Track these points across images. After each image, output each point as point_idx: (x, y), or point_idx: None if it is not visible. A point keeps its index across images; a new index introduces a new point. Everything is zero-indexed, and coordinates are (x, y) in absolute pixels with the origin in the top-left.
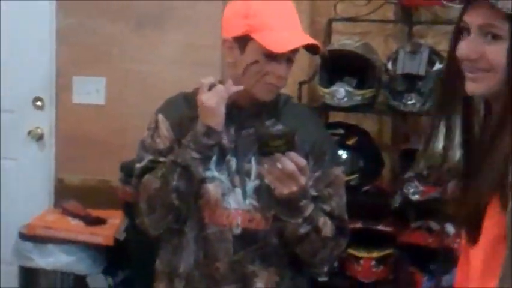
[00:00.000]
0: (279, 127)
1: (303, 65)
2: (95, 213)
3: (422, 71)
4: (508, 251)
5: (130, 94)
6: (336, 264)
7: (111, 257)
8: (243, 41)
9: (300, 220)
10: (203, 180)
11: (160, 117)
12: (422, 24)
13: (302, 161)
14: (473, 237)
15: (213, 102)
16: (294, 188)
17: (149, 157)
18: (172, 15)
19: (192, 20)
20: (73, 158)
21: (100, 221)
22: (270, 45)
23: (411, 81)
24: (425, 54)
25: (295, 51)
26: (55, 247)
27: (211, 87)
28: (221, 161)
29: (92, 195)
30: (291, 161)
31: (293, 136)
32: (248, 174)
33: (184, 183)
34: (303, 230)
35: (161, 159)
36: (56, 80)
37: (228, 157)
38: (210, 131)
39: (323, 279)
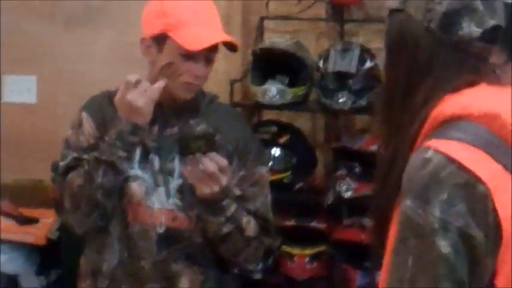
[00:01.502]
0: (202, 126)
1: (235, 63)
2: (28, 212)
3: (353, 69)
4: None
5: (61, 93)
6: (270, 261)
7: (44, 256)
8: (160, 40)
9: (222, 219)
10: (126, 179)
11: (84, 115)
12: (353, 23)
13: (223, 161)
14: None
15: (142, 102)
16: (216, 188)
17: (72, 155)
18: (102, 13)
19: (122, 17)
20: (4, 158)
21: (32, 221)
22: (185, 44)
23: (342, 79)
24: (356, 52)
25: (213, 50)
26: None
27: (137, 84)
28: (144, 160)
29: (24, 194)
30: (211, 161)
31: (214, 136)
32: (171, 173)
33: (109, 180)
34: (225, 229)
35: (85, 156)
36: None
37: (151, 156)
38: (135, 129)
39: (257, 277)
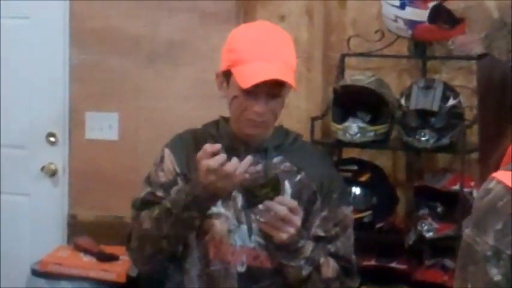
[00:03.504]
0: (287, 164)
1: (316, 101)
2: (108, 249)
3: (435, 107)
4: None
5: (142, 130)
6: None
7: None
8: (227, 75)
9: (301, 262)
10: (209, 216)
11: (167, 151)
12: (435, 59)
13: (292, 202)
14: None
15: (225, 185)
16: (292, 231)
17: (148, 189)
18: (184, 49)
19: (203, 54)
20: (86, 194)
21: (112, 258)
22: (240, 80)
23: (424, 117)
24: (438, 90)
25: (277, 86)
26: (68, 283)
27: (219, 169)
28: (228, 198)
29: (105, 231)
30: (281, 205)
31: (278, 180)
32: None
33: (176, 232)
34: (305, 272)
35: (160, 193)
36: (69, 116)
37: (234, 193)
38: (214, 199)
39: None
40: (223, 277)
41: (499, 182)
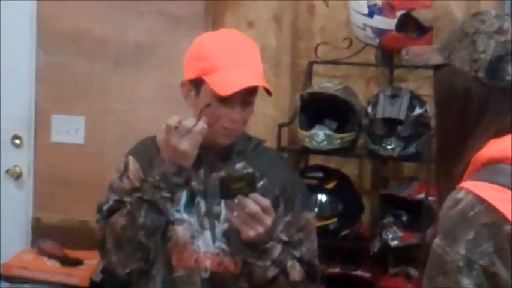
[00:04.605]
0: (242, 167)
1: (284, 107)
2: (73, 253)
3: (402, 116)
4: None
5: (109, 133)
6: None
7: None
8: (197, 84)
9: (268, 263)
10: (172, 222)
11: (130, 158)
12: (403, 68)
13: (265, 202)
14: None
15: (186, 145)
16: (260, 229)
17: (115, 197)
18: (151, 54)
19: (170, 58)
20: (50, 198)
21: (76, 262)
22: (216, 88)
23: (391, 125)
24: (405, 99)
25: (250, 93)
26: (31, 287)
27: (178, 126)
28: (190, 203)
29: (69, 235)
30: (254, 202)
31: (254, 177)
32: (217, 217)
33: (151, 220)
34: (271, 273)
35: (127, 199)
36: (35, 118)
37: (198, 199)
38: (180, 171)
39: None
40: (187, 283)
41: (469, 192)
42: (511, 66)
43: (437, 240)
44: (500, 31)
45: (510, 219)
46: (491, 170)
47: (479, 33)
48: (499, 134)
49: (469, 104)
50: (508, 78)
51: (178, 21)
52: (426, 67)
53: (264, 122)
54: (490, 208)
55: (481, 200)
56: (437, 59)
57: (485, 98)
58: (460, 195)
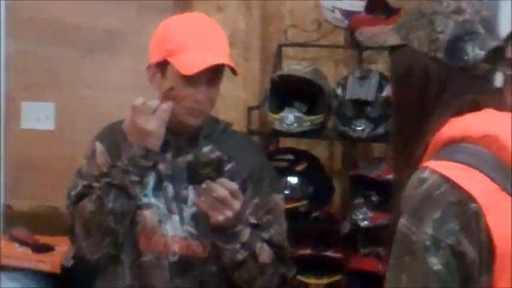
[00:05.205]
0: (209, 152)
1: (254, 90)
2: (44, 240)
3: (371, 97)
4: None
5: (79, 120)
6: None
7: (59, 284)
8: (163, 66)
9: (237, 246)
10: (139, 207)
11: (98, 144)
12: (372, 50)
13: (233, 186)
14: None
15: (152, 125)
16: (229, 213)
17: (83, 183)
18: (121, 40)
19: (140, 44)
20: (21, 184)
21: (47, 248)
22: (181, 68)
23: (360, 107)
24: (374, 80)
25: (216, 73)
26: (1, 274)
27: (144, 107)
28: (158, 188)
29: (40, 221)
30: (222, 187)
31: (221, 162)
32: (185, 200)
33: (120, 205)
34: (240, 256)
35: (96, 184)
36: (5, 106)
37: (165, 183)
38: (147, 153)
39: None
40: (155, 267)
41: (434, 171)
42: (470, 46)
43: (402, 220)
44: (458, 11)
45: (476, 197)
46: (454, 149)
47: (437, 13)
48: (458, 113)
49: (429, 84)
50: (466, 57)
51: (148, 8)
52: (383, 48)
53: (234, 105)
54: (455, 187)
55: (446, 179)
56: (394, 40)
57: (445, 78)
58: (425, 174)
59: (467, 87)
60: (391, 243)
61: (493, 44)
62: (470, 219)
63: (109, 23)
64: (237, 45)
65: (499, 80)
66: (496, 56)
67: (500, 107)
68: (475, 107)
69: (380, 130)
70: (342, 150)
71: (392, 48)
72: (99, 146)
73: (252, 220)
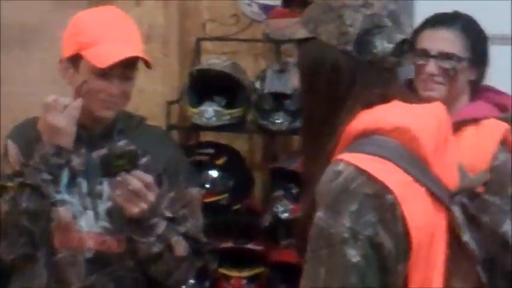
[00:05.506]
0: (124, 145)
1: (173, 85)
2: None
3: (289, 90)
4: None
5: None
6: (207, 284)
7: None
8: (75, 60)
9: (152, 239)
10: (53, 204)
11: (10, 143)
12: (290, 43)
13: (148, 178)
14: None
15: (62, 122)
16: (144, 206)
17: None
18: (38, 34)
19: (58, 39)
20: None
21: None
22: (95, 61)
23: (279, 100)
24: (292, 73)
25: (129, 67)
26: None
27: (55, 103)
28: (72, 184)
29: None
30: (136, 179)
31: (135, 154)
32: (100, 196)
33: (34, 204)
34: (155, 249)
35: (9, 184)
36: None
37: (79, 179)
38: (59, 151)
39: None
40: (71, 264)
41: (349, 164)
42: (378, 39)
43: (319, 214)
44: (366, 4)
45: (392, 189)
46: (366, 142)
47: (345, 6)
48: (368, 105)
49: (338, 77)
50: (375, 51)
51: (64, 2)
52: (291, 41)
53: (154, 99)
54: (371, 179)
55: (361, 171)
56: (302, 33)
57: (354, 71)
58: (340, 167)
59: (376, 80)
60: (302, 236)
61: (400, 37)
62: (387, 211)
63: (24, 17)
64: (156, 40)
65: (410, 71)
66: (402, 49)
67: (408, 99)
68: (384, 99)
69: (299, 123)
70: (262, 143)
71: (300, 41)
72: (11, 145)
73: (168, 214)
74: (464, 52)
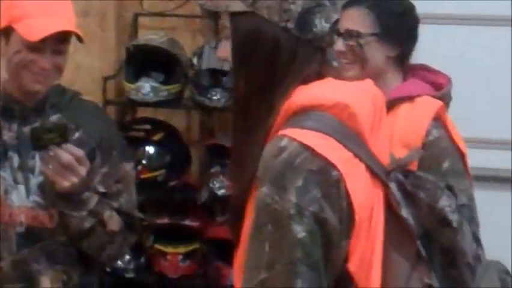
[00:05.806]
0: (54, 118)
1: (110, 60)
2: None
3: (226, 66)
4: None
5: None
6: (143, 260)
7: None
8: (7, 32)
9: (84, 213)
10: None
11: None
12: (227, 19)
13: (79, 151)
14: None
15: None
16: (74, 180)
17: None
18: None
19: None
20: None
21: None
22: (25, 34)
23: (216, 76)
24: (223, 46)
25: (62, 41)
26: None
27: None
28: (3, 158)
29: None
30: (67, 153)
31: (66, 128)
32: (32, 170)
33: None
34: (87, 223)
35: None
36: None
37: (10, 153)
38: None
39: (130, 275)
40: (2, 239)
41: (293, 139)
42: (318, 19)
43: (264, 190)
44: None
45: (336, 164)
46: (305, 117)
47: None
48: (305, 81)
49: (278, 54)
50: (315, 30)
51: None
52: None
53: (90, 74)
54: (315, 154)
55: (305, 147)
56: (237, 6)
57: (295, 48)
58: (283, 143)
59: (313, 58)
60: (237, 213)
61: (336, 16)
62: (331, 187)
63: None
64: (93, 15)
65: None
66: (334, 28)
67: (339, 76)
68: (319, 77)
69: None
70: (199, 119)
71: (235, 14)
72: None
73: (101, 189)
74: (372, 28)
